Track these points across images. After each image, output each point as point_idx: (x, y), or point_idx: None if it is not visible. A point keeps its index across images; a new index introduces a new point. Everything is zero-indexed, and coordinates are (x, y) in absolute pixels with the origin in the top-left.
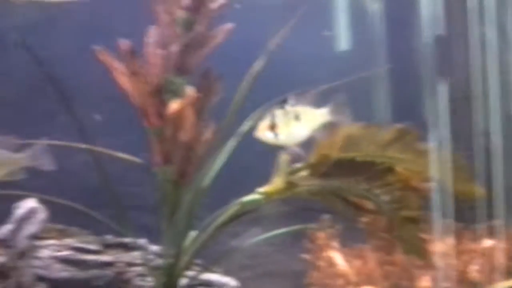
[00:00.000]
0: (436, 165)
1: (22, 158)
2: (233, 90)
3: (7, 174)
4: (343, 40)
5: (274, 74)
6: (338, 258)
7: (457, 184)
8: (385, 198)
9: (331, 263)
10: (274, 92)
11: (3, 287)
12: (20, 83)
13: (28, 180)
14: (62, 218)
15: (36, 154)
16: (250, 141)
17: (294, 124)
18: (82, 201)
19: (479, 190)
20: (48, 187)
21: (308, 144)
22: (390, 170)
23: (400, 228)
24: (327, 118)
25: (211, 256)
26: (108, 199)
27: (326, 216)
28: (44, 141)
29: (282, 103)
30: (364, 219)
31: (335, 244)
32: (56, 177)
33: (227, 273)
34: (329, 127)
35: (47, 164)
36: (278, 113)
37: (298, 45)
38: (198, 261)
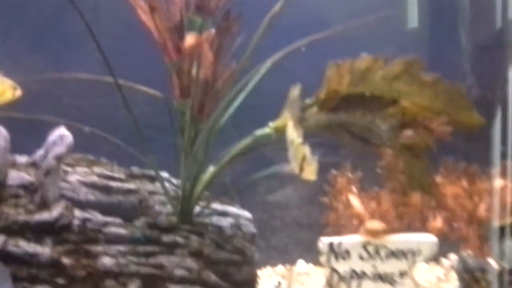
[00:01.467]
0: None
1: None
2: None
3: None
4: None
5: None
6: (354, 200)
7: (456, 113)
8: (385, 127)
9: (347, 205)
10: None
11: (30, 201)
12: None
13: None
14: (93, 149)
15: None
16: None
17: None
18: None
19: (478, 119)
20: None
21: None
22: (394, 102)
23: (405, 162)
24: None
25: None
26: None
27: (347, 162)
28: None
29: None
30: (381, 162)
31: (353, 188)
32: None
33: (259, 221)
34: None
35: None
36: None
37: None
38: (219, 195)
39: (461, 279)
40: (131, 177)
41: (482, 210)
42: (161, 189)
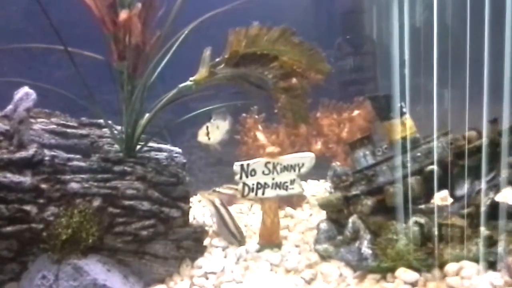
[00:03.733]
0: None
1: None
2: None
3: None
4: None
5: None
6: (260, 135)
7: (315, 64)
8: (270, 76)
9: (255, 139)
10: None
11: (10, 144)
12: None
13: None
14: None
15: None
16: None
17: (216, 131)
18: None
19: (327, 67)
20: None
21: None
22: (275, 58)
23: (288, 102)
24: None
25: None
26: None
27: (254, 107)
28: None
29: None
30: (277, 105)
31: (259, 126)
32: None
33: (188, 161)
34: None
35: None
36: (210, 124)
37: None
38: (154, 138)
39: (332, 182)
40: (82, 125)
41: (345, 133)
42: (107, 133)
